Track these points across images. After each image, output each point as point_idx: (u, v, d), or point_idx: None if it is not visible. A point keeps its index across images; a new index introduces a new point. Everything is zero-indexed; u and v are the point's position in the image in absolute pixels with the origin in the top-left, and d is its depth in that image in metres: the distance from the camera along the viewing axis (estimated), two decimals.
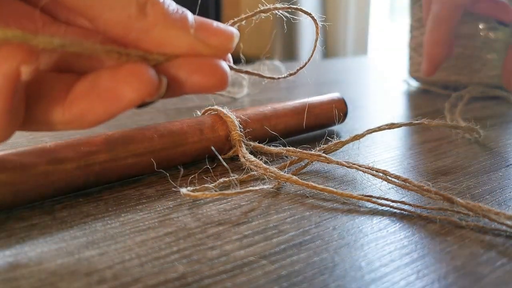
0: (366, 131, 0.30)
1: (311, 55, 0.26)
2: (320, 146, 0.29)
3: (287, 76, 0.26)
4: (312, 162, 0.29)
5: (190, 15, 0.19)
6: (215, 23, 0.20)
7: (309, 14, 0.25)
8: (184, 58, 0.19)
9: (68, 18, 0.21)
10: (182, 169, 0.27)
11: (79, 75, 0.19)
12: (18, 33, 0.16)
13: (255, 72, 0.24)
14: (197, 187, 0.24)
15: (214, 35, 0.19)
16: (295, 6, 0.25)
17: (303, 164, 0.28)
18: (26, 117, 0.19)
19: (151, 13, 0.18)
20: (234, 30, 0.20)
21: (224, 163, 0.26)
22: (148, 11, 0.18)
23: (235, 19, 0.23)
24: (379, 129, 0.30)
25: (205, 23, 0.19)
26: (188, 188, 0.24)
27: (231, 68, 0.21)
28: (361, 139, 0.35)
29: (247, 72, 0.23)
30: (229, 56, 0.21)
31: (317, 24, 0.26)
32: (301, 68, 0.27)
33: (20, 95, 0.18)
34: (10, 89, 0.16)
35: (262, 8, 0.23)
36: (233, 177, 0.26)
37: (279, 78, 0.26)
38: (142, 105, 0.20)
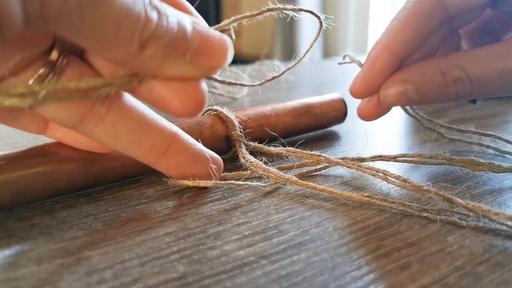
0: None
1: (304, 54, 0.27)
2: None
3: (264, 82, 0.27)
4: (331, 166, 0.28)
5: (189, 28, 0.19)
6: (212, 36, 0.19)
7: (317, 16, 0.26)
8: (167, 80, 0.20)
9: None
10: None
11: None
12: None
13: (237, 82, 0.25)
14: (196, 181, 0.25)
15: (208, 58, 0.19)
16: (305, 9, 0.25)
17: (313, 169, 0.28)
18: None
19: (151, 48, 0.18)
20: (228, 47, 0.20)
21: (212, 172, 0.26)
22: (149, 46, 0.18)
23: (237, 17, 0.22)
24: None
25: (204, 39, 0.19)
26: (185, 181, 0.24)
27: (215, 80, 0.22)
28: (360, 139, 0.35)
29: (229, 83, 0.24)
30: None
31: (321, 27, 0.26)
32: (287, 69, 0.27)
33: None
34: None
35: (269, 7, 0.23)
36: (230, 173, 0.26)
37: (259, 84, 0.26)
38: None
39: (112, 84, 0.19)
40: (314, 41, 0.27)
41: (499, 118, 0.43)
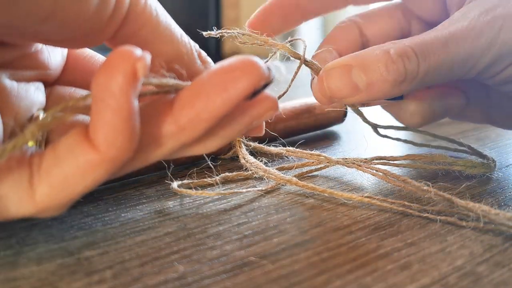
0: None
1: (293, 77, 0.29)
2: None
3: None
4: (331, 166, 0.28)
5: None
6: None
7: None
8: None
9: None
10: (182, 169, 0.27)
11: None
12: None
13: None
14: (195, 181, 0.25)
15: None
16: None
17: (313, 168, 0.28)
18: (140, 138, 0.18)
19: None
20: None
21: (211, 165, 0.26)
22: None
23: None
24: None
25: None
26: (184, 181, 0.25)
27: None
28: (360, 139, 0.35)
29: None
30: None
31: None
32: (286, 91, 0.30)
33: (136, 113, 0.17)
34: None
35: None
36: (231, 174, 0.26)
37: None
38: (253, 94, 0.20)
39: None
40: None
41: None
